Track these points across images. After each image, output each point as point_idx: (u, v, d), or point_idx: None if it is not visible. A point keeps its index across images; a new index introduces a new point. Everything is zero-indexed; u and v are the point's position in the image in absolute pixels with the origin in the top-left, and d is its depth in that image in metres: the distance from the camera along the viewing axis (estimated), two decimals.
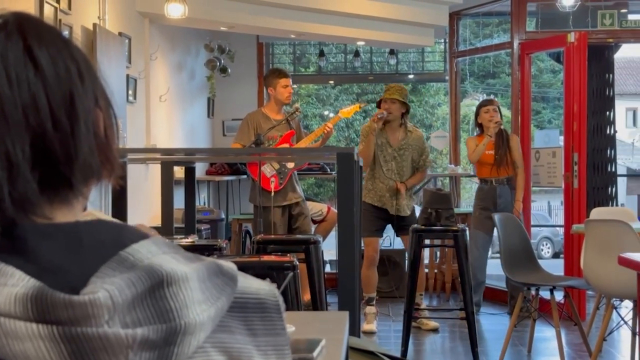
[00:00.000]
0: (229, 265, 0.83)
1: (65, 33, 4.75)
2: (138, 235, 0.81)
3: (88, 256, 0.77)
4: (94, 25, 5.26)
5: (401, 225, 6.02)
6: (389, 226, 6.22)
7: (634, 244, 4.25)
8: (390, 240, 7.85)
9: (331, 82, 16.44)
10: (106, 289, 0.72)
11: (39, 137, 0.80)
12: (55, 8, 4.72)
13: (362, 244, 6.25)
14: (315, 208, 6.68)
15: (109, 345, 0.71)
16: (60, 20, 4.77)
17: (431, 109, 23.23)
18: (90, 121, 0.84)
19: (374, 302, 6.11)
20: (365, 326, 5.93)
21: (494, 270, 7.10)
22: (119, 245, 0.78)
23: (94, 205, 4.38)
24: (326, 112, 22.33)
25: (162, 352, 0.73)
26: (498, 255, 5.45)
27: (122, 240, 0.79)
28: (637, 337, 4.50)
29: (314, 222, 6.66)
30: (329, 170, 7.94)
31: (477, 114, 6.63)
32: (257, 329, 0.82)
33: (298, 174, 6.41)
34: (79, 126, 0.83)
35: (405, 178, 6.07)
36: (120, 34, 5.89)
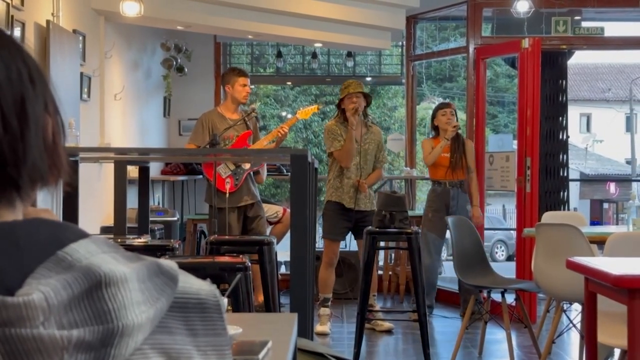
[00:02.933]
0: (169, 264, 0.82)
1: (18, 30, 4.69)
2: (78, 234, 0.80)
3: (25, 256, 0.76)
4: (48, 22, 5.19)
5: (361, 226, 5.79)
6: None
7: (582, 248, 4.31)
8: (346, 242, 7.86)
9: (289, 83, 16.46)
10: (41, 290, 0.71)
11: None
12: (8, 4, 4.64)
13: (322, 245, 6.25)
14: (271, 210, 6.67)
15: (43, 347, 0.70)
16: (12, 16, 4.69)
17: (389, 112, 23.37)
18: (40, 125, 0.84)
19: (329, 304, 6.12)
20: (318, 327, 5.93)
21: (448, 272, 7.16)
22: (57, 245, 0.77)
23: (45, 204, 4.32)
24: (284, 113, 22.34)
25: (98, 353, 0.73)
26: (451, 257, 5.49)
27: (60, 239, 0.78)
28: (584, 339, 4.56)
29: (270, 223, 6.65)
30: (285, 171, 7.93)
31: (433, 117, 6.69)
32: (197, 329, 0.82)
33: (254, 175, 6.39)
34: (29, 130, 0.82)
35: (368, 173, 6.07)
36: (74, 31, 5.83)
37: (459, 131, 6.59)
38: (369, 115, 6.24)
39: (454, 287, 7.24)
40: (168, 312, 0.80)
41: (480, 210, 6.75)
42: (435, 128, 6.66)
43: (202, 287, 0.84)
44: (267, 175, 8.00)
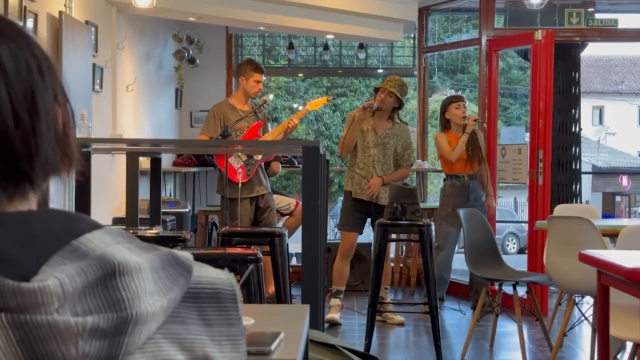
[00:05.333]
0: (184, 255, 0.82)
1: (30, 21, 4.70)
2: (91, 225, 0.80)
3: (39, 245, 0.76)
4: (60, 13, 5.20)
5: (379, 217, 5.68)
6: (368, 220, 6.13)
7: (595, 241, 4.30)
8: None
9: (301, 74, 16.44)
10: (56, 277, 0.71)
11: (1, 135, 0.79)
12: None
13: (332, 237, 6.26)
14: (283, 202, 6.66)
15: (58, 333, 0.71)
16: (25, 7, 4.71)
17: None
18: (50, 118, 0.84)
19: (341, 296, 6.10)
20: (328, 316, 5.91)
21: (459, 265, 7.14)
22: (71, 235, 0.77)
23: (58, 195, 4.34)
24: (295, 105, 22.32)
25: (112, 341, 0.73)
26: (463, 250, 5.47)
27: (74, 229, 0.78)
28: (597, 332, 4.55)
29: (282, 215, 6.65)
30: (296, 162, 7.93)
31: (444, 110, 6.63)
32: (211, 319, 0.82)
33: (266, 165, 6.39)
34: (40, 124, 0.82)
35: (387, 168, 6.01)
36: (86, 22, 5.84)
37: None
38: (397, 115, 6.17)
39: (465, 280, 7.23)
40: (182, 302, 0.80)
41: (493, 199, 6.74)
42: (447, 121, 6.61)
43: (218, 277, 0.84)
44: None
